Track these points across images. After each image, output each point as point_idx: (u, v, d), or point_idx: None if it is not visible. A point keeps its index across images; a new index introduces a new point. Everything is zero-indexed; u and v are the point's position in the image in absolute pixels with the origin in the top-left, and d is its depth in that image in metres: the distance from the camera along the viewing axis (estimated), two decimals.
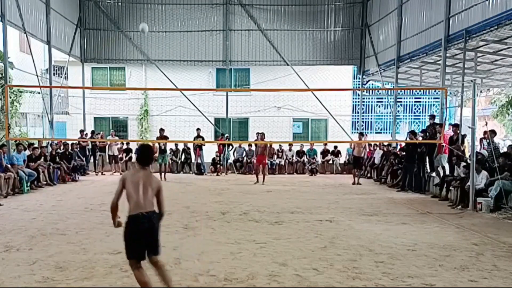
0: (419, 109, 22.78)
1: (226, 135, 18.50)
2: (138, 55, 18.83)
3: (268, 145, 16.78)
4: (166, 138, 14.96)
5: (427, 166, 11.95)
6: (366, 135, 20.15)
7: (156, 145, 14.89)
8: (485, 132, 10.52)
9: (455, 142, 10.85)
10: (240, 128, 21.09)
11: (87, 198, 10.02)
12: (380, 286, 4.29)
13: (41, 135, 20.36)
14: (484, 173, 9.08)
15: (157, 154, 17.30)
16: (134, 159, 17.09)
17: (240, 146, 17.57)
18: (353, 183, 13.45)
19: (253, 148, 17.32)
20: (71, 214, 8.07)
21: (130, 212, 3.82)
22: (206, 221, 7.50)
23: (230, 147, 17.48)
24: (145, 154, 4.02)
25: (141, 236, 3.76)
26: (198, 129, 16.81)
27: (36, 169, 11.86)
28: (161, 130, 15.21)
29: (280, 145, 17.76)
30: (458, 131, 10.95)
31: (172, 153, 17.14)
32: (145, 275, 3.86)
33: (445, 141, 11.38)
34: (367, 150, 15.32)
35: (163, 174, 14.39)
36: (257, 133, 15.79)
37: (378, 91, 21.79)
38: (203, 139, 16.71)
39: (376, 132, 22.35)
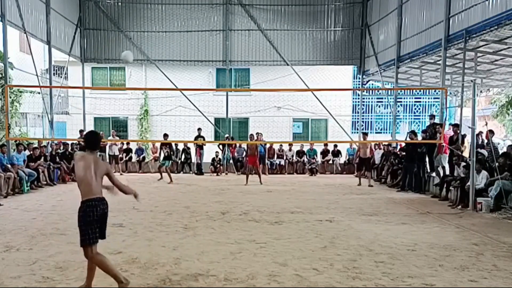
0: (419, 109, 22.77)
1: (230, 136, 18.50)
2: (138, 55, 18.82)
3: (265, 145, 16.84)
4: (170, 144, 14.97)
5: (427, 166, 11.95)
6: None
7: (154, 145, 14.99)
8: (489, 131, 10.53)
9: (455, 142, 10.84)
10: (240, 128, 21.09)
11: None
12: (380, 286, 4.29)
13: (41, 135, 20.37)
14: (484, 173, 9.08)
15: (156, 154, 17.32)
16: (134, 159, 17.19)
17: (240, 146, 17.56)
18: (359, 184, 13.14)
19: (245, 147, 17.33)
20: (71, 214, 8.04)
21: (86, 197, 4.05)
22: (206, 221, 7.50)
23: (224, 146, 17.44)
24: (93, 139, 4.20)
25: (98, 220, 4.12)
26: (199, 129, 16.81)
27: (36, 169, 11.87)
28: (165, 135, 15.24)
29: (280, 145, 17.77)
30: (458, 131, 10.95)
31: (172, 153, 17.12)
32: (108, 259, 4.10)
33: (445, 141, 11.39)
34: (373, 150, 14.81)
35: (171, 174, 14.22)
36: (251, 134, 15.81)
37: (378, 91, 21.79)
38: (204, 139, 16.72)
39: (376, 132, 22.34)
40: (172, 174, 16.07)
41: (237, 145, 17.66)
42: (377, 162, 15.15)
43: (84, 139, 4.24)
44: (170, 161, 14.85)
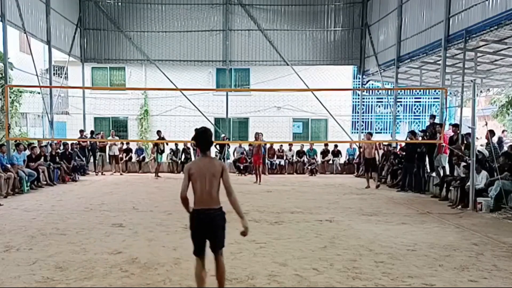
0: (419, 109, 22.77)
1: (226, 137, 18.52)
2: (138, 55, 18.83)
3: (265, 145, 16.87)
4: (163, 139, 15.50)
5: (427, 166, 11.95)
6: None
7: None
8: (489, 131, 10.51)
9: (455, 142, 10.84)
10: (240, 128, 21.09)
11: (87, 198, 10.02)
12: (380, 286, 4.29)
13: (41, 135, 20.37)
14: (484, 173, 9.08)
15: (154, 155, 17.54)
16: (134, 159, 17.20)
17: (240, 146, 17.57)
18: (367, 187, 12.54)
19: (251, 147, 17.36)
20: (71, 214, 8.07)
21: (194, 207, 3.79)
22: None
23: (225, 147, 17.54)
24: (204, 136, 3.80)
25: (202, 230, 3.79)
26: (196, 129, 16.84)
27: (36, 169, 11.86)
28: (159, 132, 15.66)
29: (280, 145, 17.77)
30: (458, 131, 10.95)
31: (172, 153, 17.17)
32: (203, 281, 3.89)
33: (445, 141, 11.38)
34: (379, 150, 13.78)
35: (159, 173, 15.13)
36: (256, 133, 15.87)
37: (378, 91, 21.78)
38: None
39: (376, 132, 22.30)
40: (172, 174, 16.28)
41: (238, 145, 17.67)
42: (377, 162, 15.13)
43: (194, 138, 3.84)
44: (163, 156, 15.61)
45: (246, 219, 3.87)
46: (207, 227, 3.77)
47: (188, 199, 3.78)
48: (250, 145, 17.38)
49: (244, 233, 3.87)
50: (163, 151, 15.55)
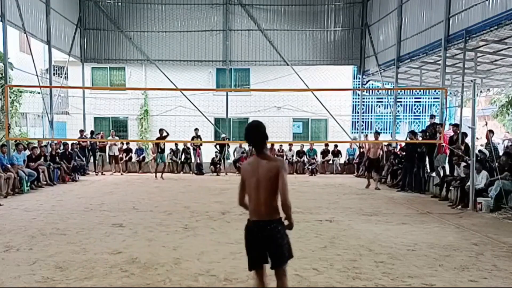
0: (419, 109, 22.76)
1: (226, 137, 18.52)
2: (138, 55, 18.83)
3: (269, 145, 16.88)
4: (165, 138, 15.30)
5: (427, 166, 11.94)
6: (366, 135, 20.15)
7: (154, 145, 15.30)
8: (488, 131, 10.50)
9: (455, 142, 10.84)
10: (240, 128, 21.07)
11: (87, 198, 10.02)
12: (380, 286, 4.29)
13: (41, 135, 20.37)
14: (484, 173, 9.08)
15: (155, 154, 17.51)
16: (134, 159, 17.20)
17: (240, 146, 17.56)
18: (367, 186, 12.38)
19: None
20: (71, 214, 8.07)
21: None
22: (206, 221, 7.50)
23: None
24: (252, 132, 3.20)
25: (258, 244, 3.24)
26: (196, 129, 16.85)
27: (36, 169, 11.86)
28: (161, 130, 15.38)
29: (280, 145, 17.78)
30: (458, 131, 10.94)
31: (172, 153, 17.16)
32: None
33: (445, 141, 11.38)
34: (385, 150, 13.46)
35: (159, 174, 14.88)
36: None
37: (378, 91, 21.78)
38: (200, 138, 16.78)
39: (376, 132, 22.31)
40: (172, 174, 16.23)
41: (239, 145, 17.68)
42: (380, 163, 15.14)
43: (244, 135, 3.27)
44: (165, 157, 15.44)
45: (292, 221, 3.38)
46: (260, 242, 3.25)
47: (246, 205, 3.35)
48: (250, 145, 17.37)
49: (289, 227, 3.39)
50: (163, 150, 15.37)
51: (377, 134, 13.40)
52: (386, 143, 15.25)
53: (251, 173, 3.18)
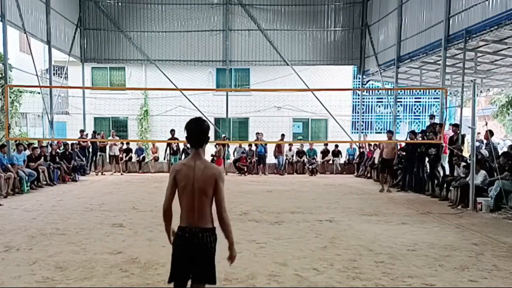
0: (419, 109, 22.76)
1: (226, 137, 18.53)
2: (138, 55, 18.83)
3: (265, 145, 17.00)
4: (176, 139, 15.23)
5: (427, 166, 11.91)
6: (366, 134, 20.14)
7: (154, 145, 15.15)
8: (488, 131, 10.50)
9: (455, 142, 10.84)
10: (240, 128, 21.09)
11: (87, 198, 10.02)
12: (380, 286, 4.29)
13: (41, 135, 20.36)
14: (482, 172, 9.09)
15: (156, 154, 17.49)
16: (134, 159, 17.20)
17: (240, 146, 17.57)
18: (381, 190, 11.68)
19: (253, 148, 17.35)
20: (71, 214, 8.07)
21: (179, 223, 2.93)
22: None
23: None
24: (195, 129, 2.94)
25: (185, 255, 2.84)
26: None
27: (36, 169, 11.86)
28: (172, 131, 15.38)
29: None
30: (458, 131, 10.94)
31: (172, 153, 17.15)
32: None
33: (445, 141, 11.37)
34: (397, 150, 12.41)
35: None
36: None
37: (378, 91, 21.79)
38: None
39: (376, 132, 22.34)
40: None
41: (238, 145, 17.69)
42: (377, 162, 15.15)
43: (186, 130, 3.00)
44: (178, 157, 15.24)
45: (234, 247, 2.98)
46: (191, 251, 2.83)
47: (171, 212, 2.95)
48: (249, 145, 17.39)
49: (230, 259, 3.00)
50: (175, 152, 15.14)
51: (390, 133, 12.56)
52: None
53: (188, 176, 2.86)
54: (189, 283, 2.95)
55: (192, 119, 3.05)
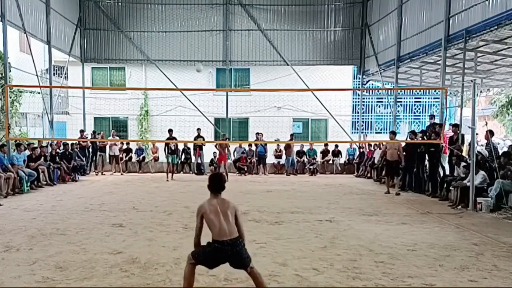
0: (419, 109, 22.78)
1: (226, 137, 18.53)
2: (138, 55, 18.84)
3: (265, 145, 16.99)
4: (174, 138, 15.13)
5: (427, 166, 11.91)
6: (368, 134, 20.14)
7: (154, 145, 15.02)
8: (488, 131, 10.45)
9: (455, 142, 10.84)
10: (240, 128, 21.10)
11: (87, 198, 10.02)
12: (380, 286, 4.29)
13: (41, 135, 20.37)
14: (481, 172, 9.09)
15: (156, 154, 17.44)
16: (134, 159, 17.20)
17: (240, 146, 17.57)
18: (387, 192, 11.29)
19: (253, 148, 17.34)
20: (71, 214, 8.07)
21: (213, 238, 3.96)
22: None
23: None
24: (218, 181, 4.13)
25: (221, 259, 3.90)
26: (198, 129, 16.83)
27: (36, 169, 11.86)
28: (170, 130, 15.27)
29: (278, 145, 17.78)
30: (458, 131, 10.94)
31: (171, 152, 17.12)
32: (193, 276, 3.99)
33: (445, 141, 11.36)
34: (402, 151, 11.57)
35: (170, 174, 14.64)
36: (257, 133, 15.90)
37: (378, 91, 21.79)
38: (203, 139, 16.73)
39: (376, 132, 22.35)
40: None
41: (239, 145, 17.69)
42: (377, 162, 15.16)
43: (209, 182, 4.18)
44: (176, 157, 15.11)
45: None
46: (230, 258, 3.88)
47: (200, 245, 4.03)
48: (249, 145, 17.39)
49: None
50: (174, 152, 14.86)
51: (392, 134, 12.13)
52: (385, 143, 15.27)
53: (215, 207, 3.99)
54: None
55: (214, 176, 4.28)
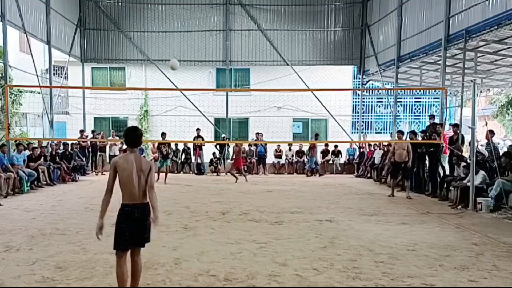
0: (419, 109, 22.77)
1: (226, 137, 18.53)
2: (138, 55, 18.83)
3: (265, 145, 16.98)
4: (169, 145, 14.89)
5: (427, 166, 11.90)
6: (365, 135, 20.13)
7: (154, 145, 14.79)
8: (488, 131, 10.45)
9: (455, 142, 10.84)
10: (240, 128, 21.09)
11: (87, 198, 10.02)
12: (380, 286, 4.29)
13: (41, 135, 20.36)
14: (481, 172, 9.09)
15: (156, 154, 17.36)
16: None
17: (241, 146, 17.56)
18: (391, 195, 10.79)
19: (253, 148, 17.34)
20: (71, 214, 8.07)
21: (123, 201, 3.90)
22: (206, 221, 7.49)
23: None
24: (132, 135, 3.94)
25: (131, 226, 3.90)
26: (198, 129, 16.83)
27: (36, 169, 11.86)
28: (163, 134, 15.15)
29: (278, 145, 17.80)
30: (458, 131, 10.94)
31: (172, 153, 17.12)
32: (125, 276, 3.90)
33: (445, 141, 11.36)
34: (411, 152, 10.81)
35: (162, 175, 14.32)
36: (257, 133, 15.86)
37: (378, 91, 21.79)
38: (203, 139, 16.73)
39: (376, 132, 22.35)
40: (172, 174, 16.11)
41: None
42: (377, 162, 15.17)
43: (124, 136, 3.99)
44: (169, 161, 14.86)
45: (158, 213, 4.07)
46: (137, 222, 3.93)
47: (110, 197, 3.97)
48: (249, 145, 17.39)
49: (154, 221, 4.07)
50: (165, 156, 14.06)
51: (400, 133, 11.44)
52: (386, 143, 15.28)
53: (129, 165, 3.84)
54: None
55: (129, 129, 4.01)
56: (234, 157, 14.85)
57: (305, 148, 17.84)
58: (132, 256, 3.94)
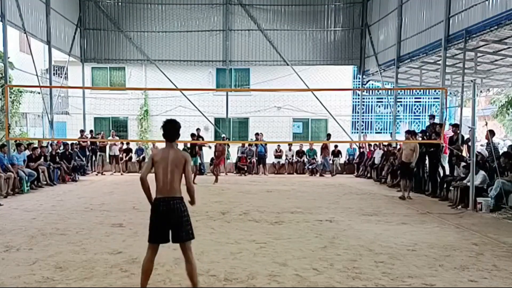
0: (419, 109, 22.78)
1: (226, 137, 18.51)
2: (138, 55, 18.83)
3: (265, 145, 16.94)
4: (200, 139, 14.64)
5: (427, 166, 11.90)
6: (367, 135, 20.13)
7: (154, 145, 14.71)
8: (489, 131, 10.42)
9: (455, 142, 10.84)
10: (240, 128, 21.09)
11: (87, 198, 10.02)
12: (380, 286, 4.29)
13: (41, 135, 20.36)
14: (481, 172, 9.09)
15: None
16: (134, 159, 17.19)
17: (243, 146, 17.56)
18: (401, 198, 10.38)
19: (253, 148, 17.33)
20: (71, 214, 8.07)
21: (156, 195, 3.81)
22: (206, 221, 7.49)
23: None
24: (170, 128, 3.87)
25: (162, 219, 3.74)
26: (197, 129, 16.82)
27: (36, 169, 11.86)
28: (198, 130, 14.99)
29: (278, 145, 17.79)
30: (458, 131, 10.94)
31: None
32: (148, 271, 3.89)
33: (445, 141, 11.36)
34: (417, 152, 10.56)
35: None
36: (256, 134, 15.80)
37: (378, 91, 21.79)
38: (202, 139, 16.73)
39: (376, 132, 22.35)
40: None
41: (241, 145, 17.66)
42: (377, 162, 15.18)
43: (162, 128, 3.93)
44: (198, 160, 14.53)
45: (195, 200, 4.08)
46: (166, 216, 3.75)
47: (147, 182, 3.80)
48: (249, 145, 17.38)
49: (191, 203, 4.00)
50: (195, 154, 13.88)
51: (408, 133, 11.15)
52: (386, 143, 15.29)
53: (164, 159, 3.80)
54: None
55: (168, 121, 4.04)
56: (217, 155, 14.47)
57: (305, 148, 17.87)
58: (182, 252, 3.88)
